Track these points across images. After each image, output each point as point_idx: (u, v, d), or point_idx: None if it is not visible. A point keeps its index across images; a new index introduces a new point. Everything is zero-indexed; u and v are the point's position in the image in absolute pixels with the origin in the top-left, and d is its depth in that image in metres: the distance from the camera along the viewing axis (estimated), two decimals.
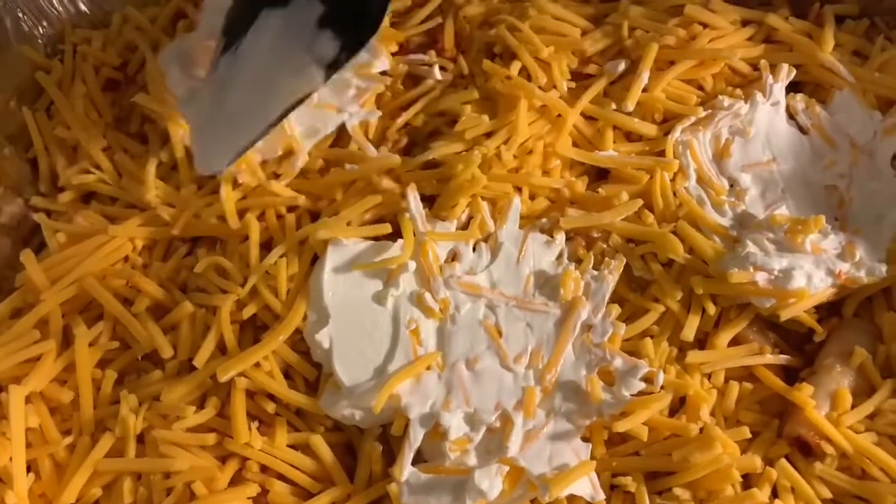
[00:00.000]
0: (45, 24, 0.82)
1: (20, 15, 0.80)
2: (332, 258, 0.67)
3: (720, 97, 0.74)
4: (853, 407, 0.63)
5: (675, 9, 0.78)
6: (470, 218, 0.70)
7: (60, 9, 0.83)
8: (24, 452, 0.63)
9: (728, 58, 0.75)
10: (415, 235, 0.66)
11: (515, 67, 0.73)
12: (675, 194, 0.70)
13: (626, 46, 0.77)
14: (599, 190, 0.70)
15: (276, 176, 0.72)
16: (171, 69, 0.76)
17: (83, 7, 0.84)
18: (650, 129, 0.73)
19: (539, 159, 0.72)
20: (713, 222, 0.69)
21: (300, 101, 0.66)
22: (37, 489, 0.63)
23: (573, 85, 0.75)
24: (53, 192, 0.77)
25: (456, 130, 0.71)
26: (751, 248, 0.66)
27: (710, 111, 0.74)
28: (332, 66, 0.62)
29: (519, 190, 0.70)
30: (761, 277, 0.65)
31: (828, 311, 0.68)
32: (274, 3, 0.65)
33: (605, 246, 0.69)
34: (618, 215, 0.68)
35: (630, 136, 0.74)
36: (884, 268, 0.67)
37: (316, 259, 0.68)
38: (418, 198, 0.69)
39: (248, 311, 0.66)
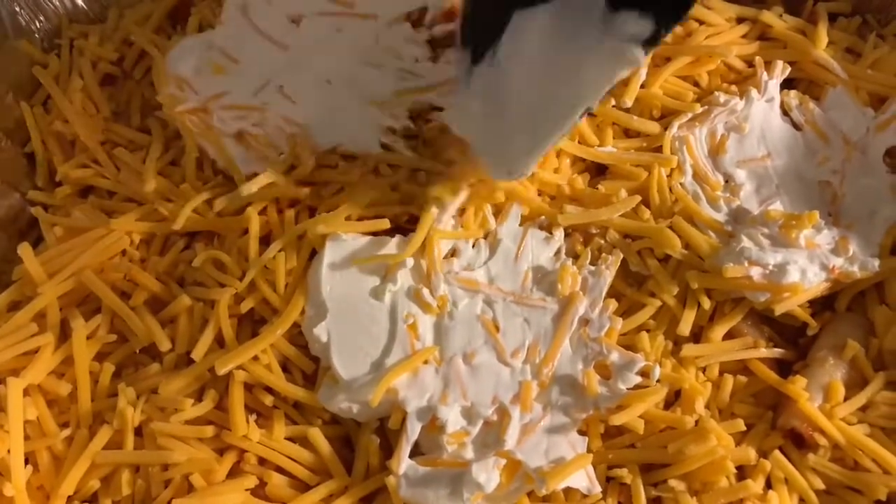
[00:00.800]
0: (42, 18, 0.82)
1: (17, 9, 0.80)
2: (330, 253, 0.67)
3: (716, 93, 0.75)
4: (846, 399, 0.64)
5: None
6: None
7: (57, 3, 0.83)
8: (23, 445, 0.63)
9: (724, 55, 0.76)
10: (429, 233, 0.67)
11: None
12: (670, 190, 0.71)
13: None
14: (599, 186, 0.71)
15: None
16: (185, 64, 0.75)
17: (80, 2, 0.84)
18: (648, 127, 0.74)
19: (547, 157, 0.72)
20: (708, 217, 0.70)
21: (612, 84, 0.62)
22: (35, 481, 0.64)
23: None
24: (51, 187, 0.78)
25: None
26: (745, 242, 0.67)
27: (706, 107, 0.75)
28: (651, 42, 0.58)
29: None
30: (756, 272, 0.66)
31: (821, 305, 0.69)
32: (526, 3, 0.61)
33: (602, 241, 0.70)
34: (615, 212, 0.69)
35: (628, 133, 0.75)
36: (876, 262, 0.68)
37: (314, 254, 0.68)
38: (463, 199, 0.69)
39: (247, 305, 0.67)
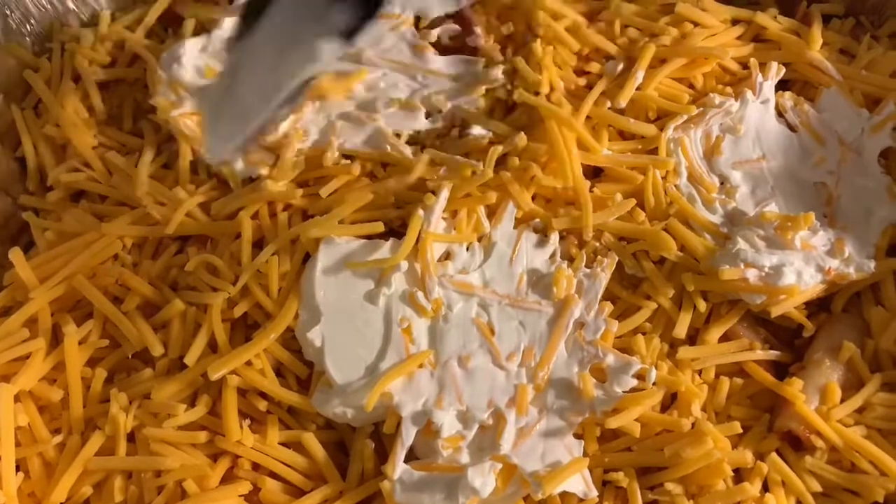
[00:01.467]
0: (32, 22, 0.82)
1: (7, 13, 0.80)
2: (323, 257, 0.67)
3: (711, 95, 0.76)
4: (842, 401, 0.64)
5: (666, 7, 0.79)
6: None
7: (48, 7, 0.83)
8: (14, 451, 0.63)
9: (720, 57, 0.76)
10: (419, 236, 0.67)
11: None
12: (666, 192, 0.71)
13: (619, 44, 0.78)
14: (594, 189, 0.71)
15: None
16: (180, 67, 0.75)
17: (71, 5, 0.84)
18: (644, 129, 0.74)
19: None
20: (704, 219, 0.70)
21: (310, 80, 0.62)
22: (26, 488, 0.64)
23: (572, 85, 0.76)
24: (42, 191, 0.77)
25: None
26: (741, 244, 0.67)
27: (701, 109, 0.75)
28: (348, 35, 0.58)
29: None
30: (752, 274, 0.66)
31: (817, 306, 0.69)
32: None
33: (597, 244, 0.70)
34: (610, 215, 0.69)
35: (623, 135, 0.75)
36: (872, 264, 0.68)
37: (308, 258, 0.68)
38: (446, 198, 0.69)
39: (240, 310, 0.67)
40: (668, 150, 0.73)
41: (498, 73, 0.76)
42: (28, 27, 0.82)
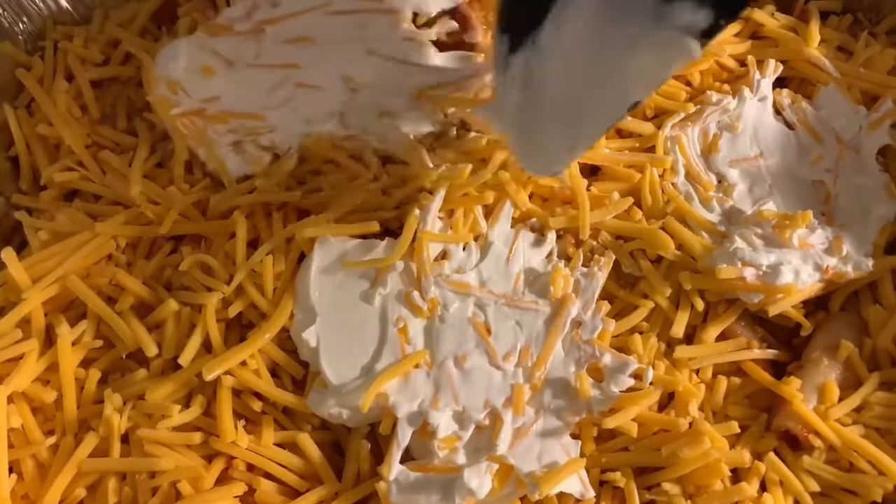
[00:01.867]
0: (25, 20, 0.82)
1: (0, 11, 0.79)
2: (319, 256, 0.67)
3: (708, 92, 0.75)
4: (840, 400, 0.64)
5: None
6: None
7: (41, 5, 0.82)
8: (7, 453, 0.63)
9: (717, 54, 0.76)
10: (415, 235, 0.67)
11: None
12: (663, 191, 0.71)
13: None
14: (591, 188, 0.71)
15: None
16: (175, 66, 0.74)
17: (64, 3, 0.83)
18: (641, 127, 0.74)
19: None
20: (701, 218, 0.70)
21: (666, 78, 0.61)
22: (19, 490, 0.63)
23: None
24: (35, 190, 0.77)
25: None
26: (739, 243, 0.67)
27: (698, 107, 0.75)
28: (708, 35, 0.53)
29: None
30: (749, 273, 0.66)
31: (815, 305, 0.69)
32: None
33: (594, 243, 0.70)
34: (607, 214, 0.69)
35: (621, 133, 0.75)
36: (870, 262, 0.68)
37: (303, 257, 0.68)
38: (442, 198, 0.68)
39: (234, 310, 0.66)
40: (666, 149, 0.73)
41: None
42: (20, 25, 0.81)
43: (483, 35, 0.79)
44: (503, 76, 0.60)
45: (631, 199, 0.69)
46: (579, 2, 0.55)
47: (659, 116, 0.75)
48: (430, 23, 0.79)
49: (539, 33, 0.57)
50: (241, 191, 0.71)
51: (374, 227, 0.68)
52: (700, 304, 0.67)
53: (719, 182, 0.73)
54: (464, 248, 0.69)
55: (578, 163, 0.72)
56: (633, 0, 0.54)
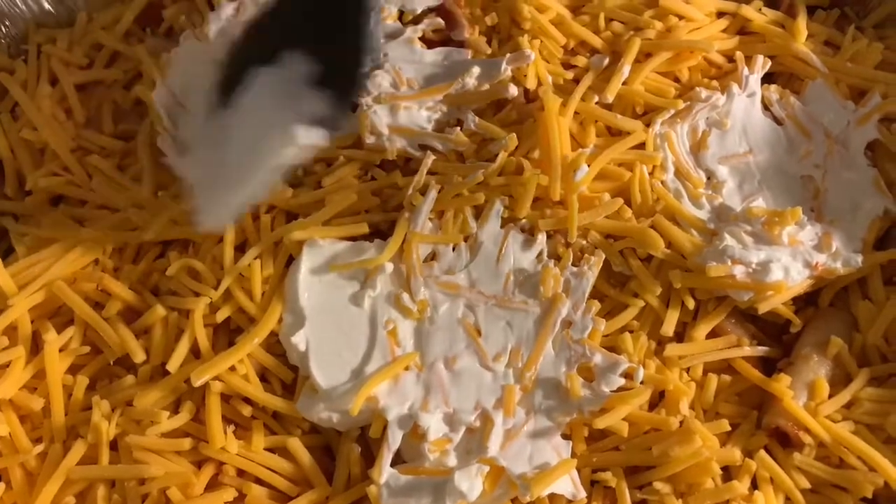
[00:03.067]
0: (7, 23, 0.82)
1: None
2: (307, 259, 0.67)
3: (697, 89, 0.75)
4: (830, 396, 0.64)
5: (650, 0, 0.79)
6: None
7: (23, 8, 0.82)
8: None
9: (705, 50, 0.76)
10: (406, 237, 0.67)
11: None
12: (652, 188, 0.71)
13: (604, 38, 0.78)
14: (582, 188, 0.70)
15: None
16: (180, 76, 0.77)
17: (47, 6, 0.83)
18: (631, 125, 0.73)
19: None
20: (691, 216, 0.70)
21: (285, 162, 0.66)
22: (8, 499, 0.63)
23: (560, 79, 0.76)
24: (20, 196, 0.77)
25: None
26: (728, 241, 0.67)
27: (687, 103, 0.75)
28: (323, 124, 0.63)
29: None
30: (739, 271, 0.66)
31: (804, 301, 0.70)
32: (262, 61, 0.65)
33: (584, 242, 0.70)
34: (597, 215, 0.69)
35: (610, 130, 0.75)
36: (859, 258, 0.68)
37: (291, 260, 0.68)
38: (433, 199, 0.69)
39: (222, 314, 0.66)
40: (655, 146, 0.73)
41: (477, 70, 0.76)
42: (2, 30, 0.81)
43: (470, 31, 0.79)
44: (205, 129, 0.68)
45: (621, 200, 0.69)
46: (260, 75, 0.65)
47: (648, 114, 0.75)
48: (416, 20, 0.80)
49: (233, 98, 0.66)
50: None
51: (363, 228, 0.68)
52: (691, 303, 0.67)
53: (708, 179, 0.73)
54: (453, 249, 0.69)
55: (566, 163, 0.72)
56: (291, 82, 0.63)
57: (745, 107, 0.76)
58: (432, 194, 0.69)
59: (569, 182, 0.69)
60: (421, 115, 0.74)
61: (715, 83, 0.77)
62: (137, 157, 0.76)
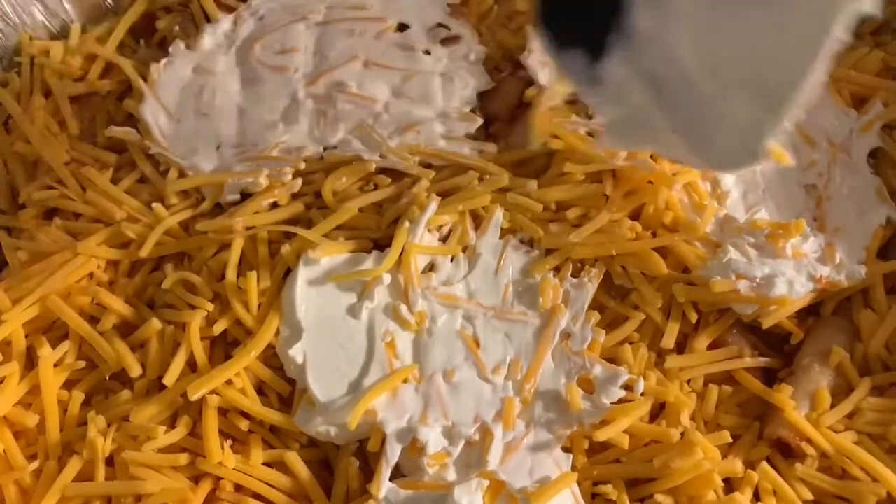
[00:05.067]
0: (0, 36, 0.84)
1: None
2: (304, 271, 0.69)
3: None
4: (832, 406, 0.66)
5: None
6: (450, 229, 0.72)
7: (17, 20, 0.85)
8: None
9: None
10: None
11: None
12: (667, 203, 0.72)
13: None
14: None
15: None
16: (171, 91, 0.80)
17: (40, 18, 0.86)
18: None
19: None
20: (696, 227, 0.71)
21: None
22: None
23: None
24: (14, 209, 0.79)
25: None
26: (732, 254, 0.69)
27: None
28: None
29: None
30: (743, 285, 0.68)
31: (806, 310, 0.71)
32: None
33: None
34: (612, 244, 0.69)
35: None
36: (863, 270, 0.70)
37: (288, 272, 0.70)
38: (433, 211, 0.71)
39: (219, 327, 0.68)
40: None
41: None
42: None
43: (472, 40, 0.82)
44: (600, 95, 0.51)
45: (639, 226, 0.71)
46: None
47: None
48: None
49: (628, 18, 0.46)
50: (238, 214, 0.73)
51: (366, 244, 0.70)
52: (694, 316, 0.69)
53: (713, 189, 0.75)
54: (451, 260, 0.71)
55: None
56: None
57: None
58: (433, 206, 0.71)
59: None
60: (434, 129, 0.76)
61: None
62: (131, 168, 0.79)
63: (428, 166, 0.75)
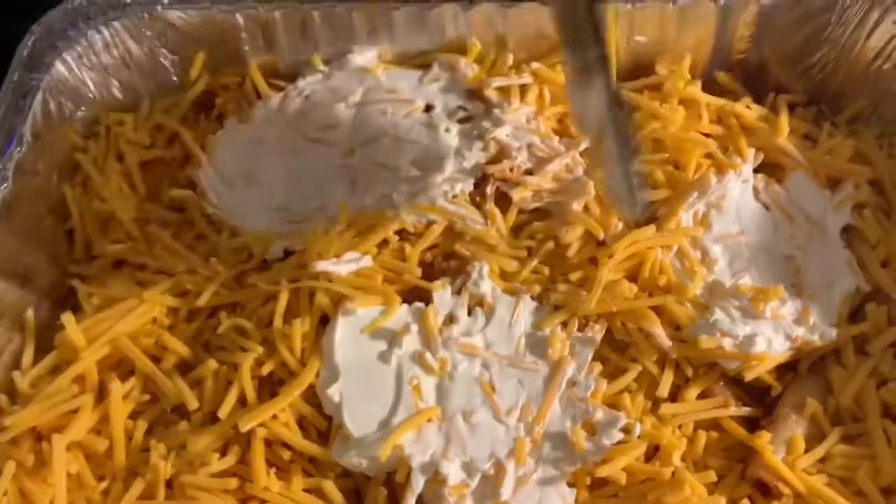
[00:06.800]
0: (83, 108, 0.95)
1: (62, 101, 0.92)
2: (342, 320, 0.78)
3: (710, 177, 0.86)
4: (806, 451, 0.74)
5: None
6: (464, 281, 0.81)
7: (96, 93, 0.95)
8: (66, 496, 0.72)
9: (709, 147, 0.88)
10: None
11: None
12: (661, 268, 0.81)
13: None
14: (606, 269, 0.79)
15: None
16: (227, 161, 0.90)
17: (116, 93, 0.97)
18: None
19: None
20: (688, 291, 0.80)
21: None
22: None
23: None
24: (88, 260, 0.89)
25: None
26: (718, 315, 0.78)
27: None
28: None
29: None
30: (727, 343, 0.77)
31: (785, 367, 0.80)
32: None
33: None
34: (611, 302, 0.78)
35: None
36: (833, 332, 0.79)
37: (325, 316, 0.79)
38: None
39: (267, 368, 0.77)
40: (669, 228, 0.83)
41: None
42: (79, 113, 0.94)
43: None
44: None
45: (635, 288, 0.79)
46: None
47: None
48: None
49: None
50: (285, 271, 0.82)
51: (396, 302, 0.79)
52: (689, 370, 0.77)
53: (702, 256, 0.84)
54: (469, 314, 0.81)
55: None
56: None
57: (740, 192, 0.87)
58: (484, 267, 0.80)
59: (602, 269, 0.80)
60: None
61: (713, 170, 0.88)
62: (191, 227, 0.89)
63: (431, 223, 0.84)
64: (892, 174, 0.88)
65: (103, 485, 0.74)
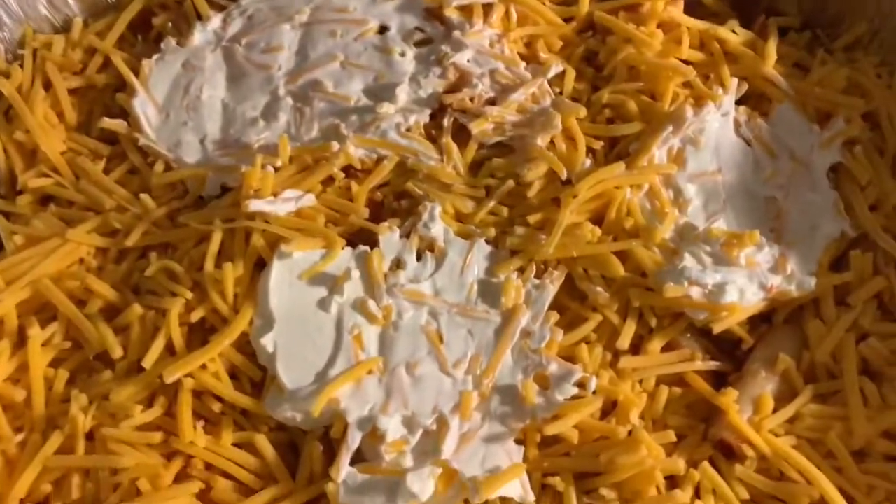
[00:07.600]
0: (5, 29, 0.88)
1: None
2: (278, 265, 0.73)
3: (686, 107, 0.79)
4: (775, 411, 0.69)
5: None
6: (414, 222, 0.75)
7: (21, 14, 0.89)
8: None
9: (687, 75, 0.81)
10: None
11: None
12: (628, 209, 0.75)
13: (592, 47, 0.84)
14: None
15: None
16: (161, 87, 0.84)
17: (43, 11, 0.90)
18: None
19: None
20: (655, 234, 0.74)
21: None
22: None
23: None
24: (12, 195, 0.83)
25: None
26: (688, 261, 0.72)
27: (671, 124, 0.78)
28: None
29: None
30: (695, 292, 0.71)
31: (759, 318, 0.74)
32: None
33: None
34: (573, 245, 0.73)
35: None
36: (813, 281, 0.73)
37: (260, 260, 0.74)
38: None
39: (197, 315, 0.72)
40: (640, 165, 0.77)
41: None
42: (0, 35, 0.87)
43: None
44: None
45: (598, 231, 0.74)
46: None
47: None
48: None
49: None
50: (221, 208, 0.76)
51: (339, 243, 0.73)
52: (653, 321, 0.72)
53: (675, 196, 0.78)
54: (418, 259, 0.75)
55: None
56: None
57: (720, 126, 0.81)
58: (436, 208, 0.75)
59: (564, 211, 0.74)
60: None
61: (691, 100, 0.81)
62: (123, 159, 0.83)
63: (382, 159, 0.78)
64: (890, 107, 0.81)
65: (20, 437, 0.71)
